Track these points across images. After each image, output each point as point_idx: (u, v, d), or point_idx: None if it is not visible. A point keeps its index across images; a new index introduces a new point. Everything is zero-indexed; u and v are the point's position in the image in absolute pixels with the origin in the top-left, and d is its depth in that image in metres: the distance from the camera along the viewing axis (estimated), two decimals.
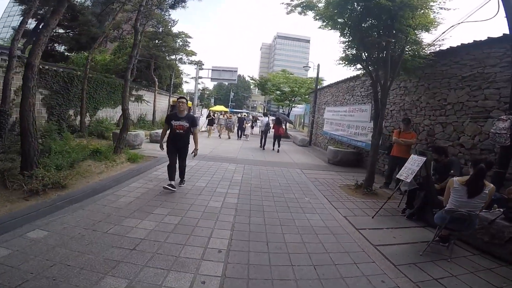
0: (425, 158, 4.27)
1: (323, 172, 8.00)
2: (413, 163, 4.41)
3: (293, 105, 22.24)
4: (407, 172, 4.39)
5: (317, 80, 16.00)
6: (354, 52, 6.28)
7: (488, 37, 5.06)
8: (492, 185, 3.09)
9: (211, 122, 16.16)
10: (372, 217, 4.52)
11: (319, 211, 4.65)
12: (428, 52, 6.13)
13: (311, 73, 20.96)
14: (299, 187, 6.12)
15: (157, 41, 17.29)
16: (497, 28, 5.02)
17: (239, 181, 6.10)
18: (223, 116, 17.08)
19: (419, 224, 4.39)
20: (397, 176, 4.59)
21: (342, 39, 6.33)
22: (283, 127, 14.95)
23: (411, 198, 4.72)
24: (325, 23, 6.22)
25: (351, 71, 9.41)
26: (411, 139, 6.09)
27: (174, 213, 4.00)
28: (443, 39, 5.78)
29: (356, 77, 10.40)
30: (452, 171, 4.40)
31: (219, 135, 16.25)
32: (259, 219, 4.05)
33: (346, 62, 6.60)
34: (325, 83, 16.32)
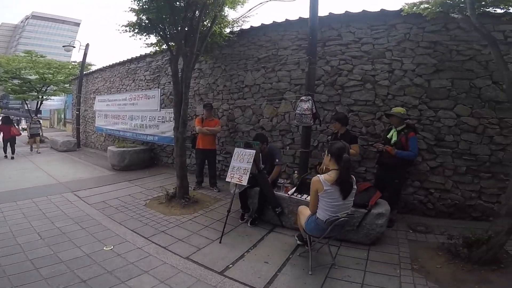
0: (254, 151, 3.48)
1: (111, 188, 5.57)
2: (242, 159, 3.51)
3: (45, 97, 15.94)
4: (239, 173, 3.44)
5: (84, 61, 11.90)
6: (151, 17, 4.40)
7: (286, 19, 5.08)
8: (353, 176, 2.68)
9: None
10: (220, 242, 3.30)
11: (145, 265, 2.73)
12: (229, 31, 5.59)
13: (77, 57, 15.84)
14: (83, 228, 3.60)
15: None
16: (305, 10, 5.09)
17: None
18: None
19: (267, 228, 3.71)
20: (227, 180, 3.56)
21: (135, 5, 4.36)
22: (16, 126, 10.14)
23: (243, 199, 3.91)
24: None
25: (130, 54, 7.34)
26: (216, 127, 5.33)
27: None
28: (249, 16, 5.47)
29: (140, 58, 8.42)
30: (277, 160, 3.97)
31: None
32: None
33: (137, 30, 4.71)
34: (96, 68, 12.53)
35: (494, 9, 3.51)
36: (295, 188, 3.76)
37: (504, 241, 2.72)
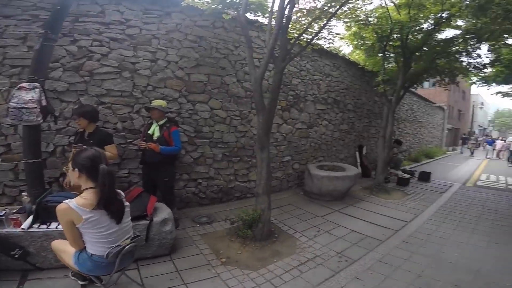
0: None
1: None
2: None
3: None
4: None
5: None
6: None
7: None
8: (120, 191, 1.94)
9: None
10: None
11: None
12: None
13: None
14: None
15: None
16: None
17: None
18: None
19: (13, 279, 2.32)
20: None
21: None
22: None
23: None
24: None
25: None
26: None
27: None
28: None
29: None
30: None
31: None
32: None
33: None
34: None
35: (253, 14, 4.01)
36: (31, 217, 2.47)
37: (269, 215, 3.22)
